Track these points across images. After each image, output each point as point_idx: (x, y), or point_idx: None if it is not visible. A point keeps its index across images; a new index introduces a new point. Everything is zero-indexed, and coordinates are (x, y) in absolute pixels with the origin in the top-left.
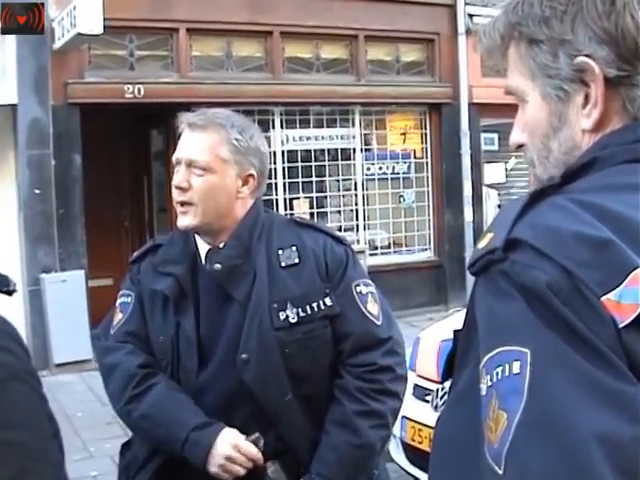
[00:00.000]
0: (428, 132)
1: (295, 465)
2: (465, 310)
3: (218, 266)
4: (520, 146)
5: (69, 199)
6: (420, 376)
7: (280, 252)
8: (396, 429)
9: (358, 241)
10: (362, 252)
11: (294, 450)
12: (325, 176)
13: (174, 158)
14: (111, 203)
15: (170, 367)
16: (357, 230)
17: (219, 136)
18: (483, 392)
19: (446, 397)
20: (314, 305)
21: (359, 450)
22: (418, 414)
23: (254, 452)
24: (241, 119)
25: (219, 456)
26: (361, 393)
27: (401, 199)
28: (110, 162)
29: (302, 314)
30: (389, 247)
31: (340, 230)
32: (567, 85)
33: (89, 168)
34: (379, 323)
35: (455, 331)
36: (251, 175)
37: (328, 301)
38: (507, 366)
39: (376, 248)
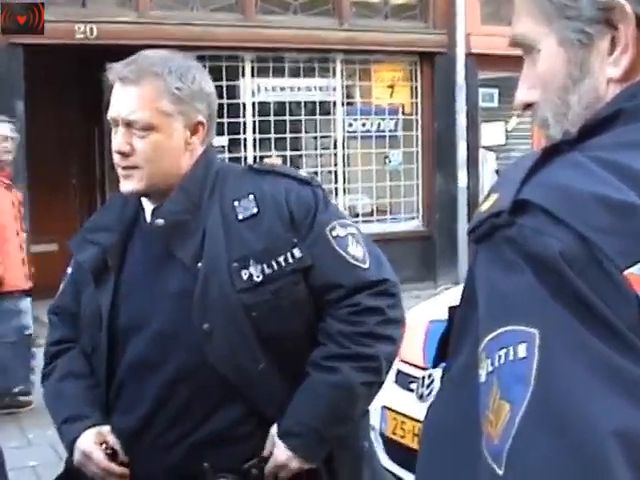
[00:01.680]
0: (419, 85)
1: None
2: (463, 284)
3: (160, 221)
4: (528, 106)
5: None
6: (404, 361)
7: (236, 204)
8: (375, 420)
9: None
10: None
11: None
12: (301, 132)
13: (109, 117)
14: (57, 158)
15: (92, 342)
16: (336, 194)
17: (156, 88)
18: (482, 379)
19: (436, 385)
20: (280, 259)
21: (335, 390)
22: (401, 404)
23: (103, 463)
24: (178, 60)
25: (77, 456)
26: (343, 337)
27: (386, 160)
28: (57, 111)
29: (268, 271)
30: (372, 214)
31: None
32: (590, 28)
33: (33, 117)
34: (366, 266)
35: (450, 308)
36: (200, 122)
37: (297, 252)
38: (511, 349)
39: (357, 215)
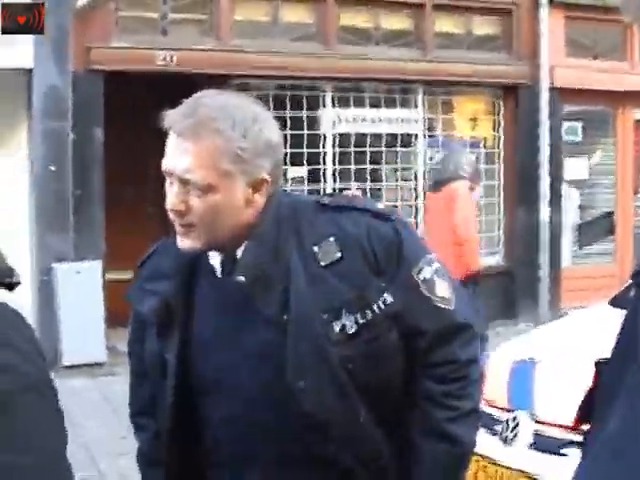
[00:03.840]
0: (501, 118)
1: None
2: (618, 333)
3: (242, 278)
4: None
5: (88, 179)
6: (487, 402)
7: (316, 249)
8: None
9: None
10: None
11: (383, 475)
12: (381, 164)
13: (163, 168)
14: (135, 185)
15: (158, 394)
16: (416, 228)
17: (217, 147)
18: None
19: (522, 428)
20: (374, 307)
21: (462, 458)
22: (483, 448)
23: None
24: (242, 109)
25: None
26: (450, 398)
27: None
28: (136, 138)
29: (361, 321)
30: None
31: None
32: None
33: (112, 144)
34: (453, 307)
35: (597, 363)
36: (263, 180)
37: (388, 298)
38: None
39: None
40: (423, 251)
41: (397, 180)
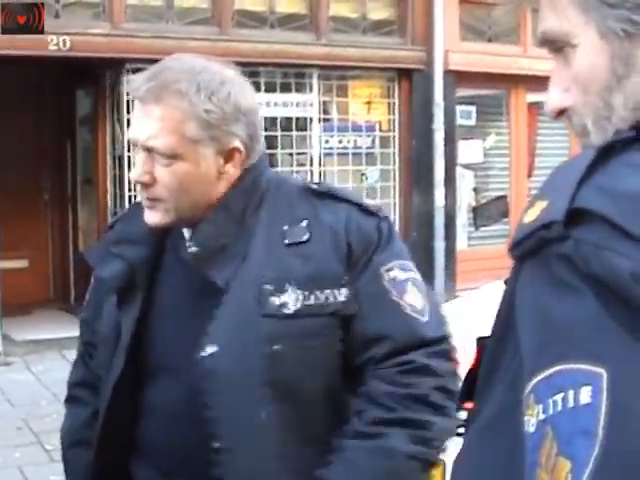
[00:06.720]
0: (396, 102)
1: None
2: (497, 308)
3: (194, 249)
4: (562, 112)
5: None
6: None
7: (285, 228)
8: None
9: None
10: None
11: None
12: (276, 148)
13: (129, 138)
14: (29, 171)
15: (108, 366)
16: None
17: (181, 110)
18: (531, 429)
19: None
20: (326, 294)
21: (375, 456)
22: None
23: None
24: (210, 72)
25: None
26: (391, 399)
27: (363, 178)
28: (29, 124)
29: (306, 302)
30: None
31: None
32: (638, 15)
33: (3, 130)
34: (424, 320)
35: (479, 339)
36: (235, 148)
37: (344, 293)
38: (571, 393)
39: None
40: (401, 256)
41: (292, 164)
